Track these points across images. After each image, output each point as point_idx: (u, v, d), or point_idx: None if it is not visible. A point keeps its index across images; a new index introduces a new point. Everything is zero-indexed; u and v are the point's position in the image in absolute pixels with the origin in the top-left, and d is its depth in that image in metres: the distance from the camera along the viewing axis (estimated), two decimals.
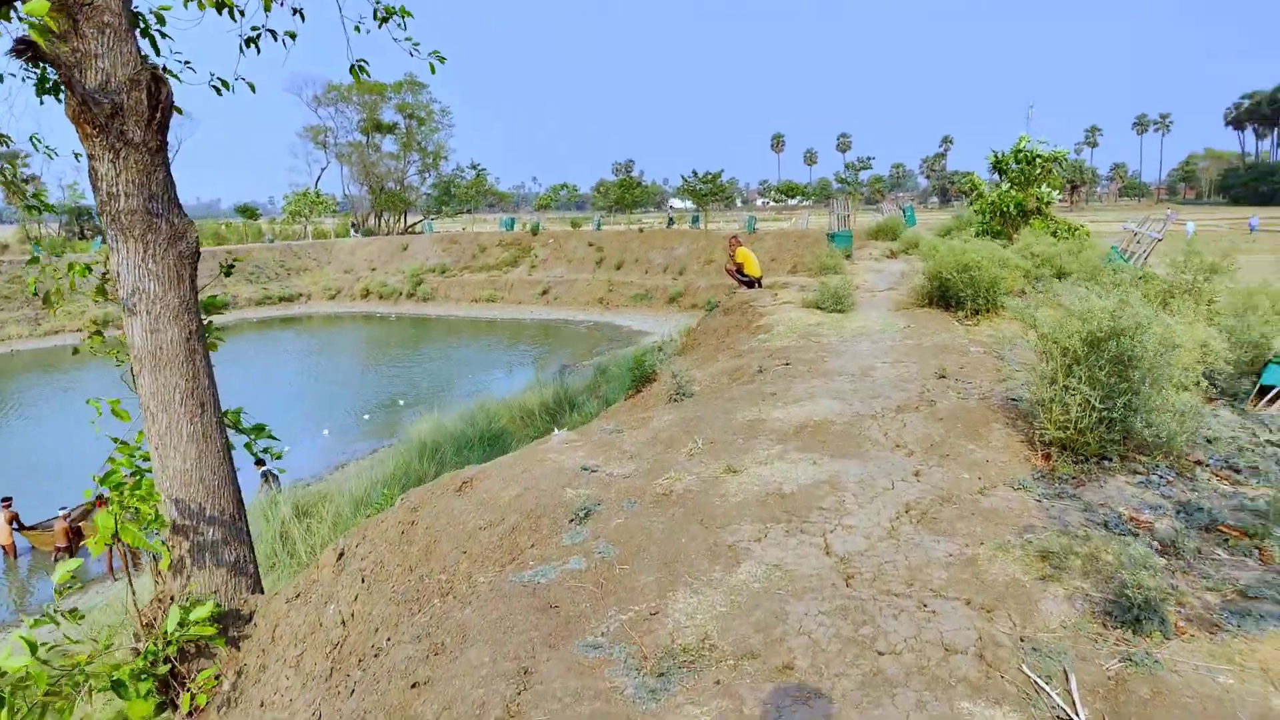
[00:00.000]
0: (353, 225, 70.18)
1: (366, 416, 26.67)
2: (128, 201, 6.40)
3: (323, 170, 75.13)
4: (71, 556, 16.10)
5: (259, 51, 8.35)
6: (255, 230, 68.01)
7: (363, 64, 8.40)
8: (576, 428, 7.73)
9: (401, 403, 28.26)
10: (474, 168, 72.81)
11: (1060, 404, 4.72)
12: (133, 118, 6.38)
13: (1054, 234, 15.86)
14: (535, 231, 56.47)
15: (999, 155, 16.59)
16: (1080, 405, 4.60)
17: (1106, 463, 4.71)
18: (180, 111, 6.73)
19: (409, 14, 8.46)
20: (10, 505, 16.33)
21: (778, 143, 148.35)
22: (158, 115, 6.52)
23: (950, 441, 5.19)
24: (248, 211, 70.61)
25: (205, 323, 6.99)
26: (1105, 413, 4.56)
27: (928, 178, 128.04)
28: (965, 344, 8.48)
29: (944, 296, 10.89)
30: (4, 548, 16.18)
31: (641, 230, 54.73)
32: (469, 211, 74.08)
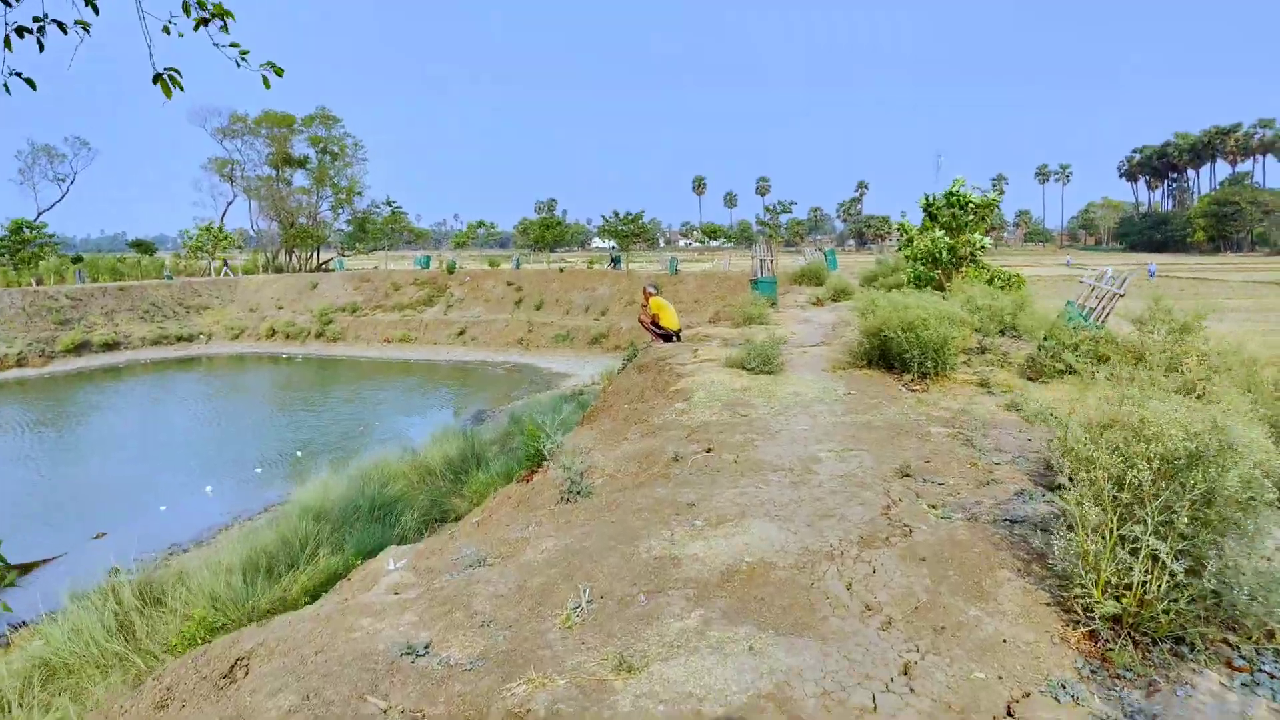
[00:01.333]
0: (264, 264, 66.51)
1: (259, 470, 23.97)
2: None
3: (229, 204, 71.27)
4: None
5: (41, 48, 6.29)
6: (156, 266, 63.72)
7: (173, 73, 6.36)
8: (426, 544, 5.84)
9: (300, 454, 25.59)
10: (389, 204, 70.02)
11: (1113, 560, 3.13)
12: None
13: (989, 281, 14.77)
14: (451, 270, 54.12)
15: (931, 199, 15.48)
16: (1147, 564, 3.01)
17: (1185, 648, 3.12)
18: None
19: (230, 15, 6.50)
20: None
21: (699, 185, 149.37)
22: None
23: (944, 603, 3.53)
24: (143, 246, 66.13)
25: None
26: (1187, 578, 2.98)
27: (844, 221, 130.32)
28: (922, 421, 6.92)
29: (884, 356, 9.42)
30: None
31: (562, 270, 53.02)
32: (385, 249, 71.16)
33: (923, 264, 15.47)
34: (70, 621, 11.72)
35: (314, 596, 10.68)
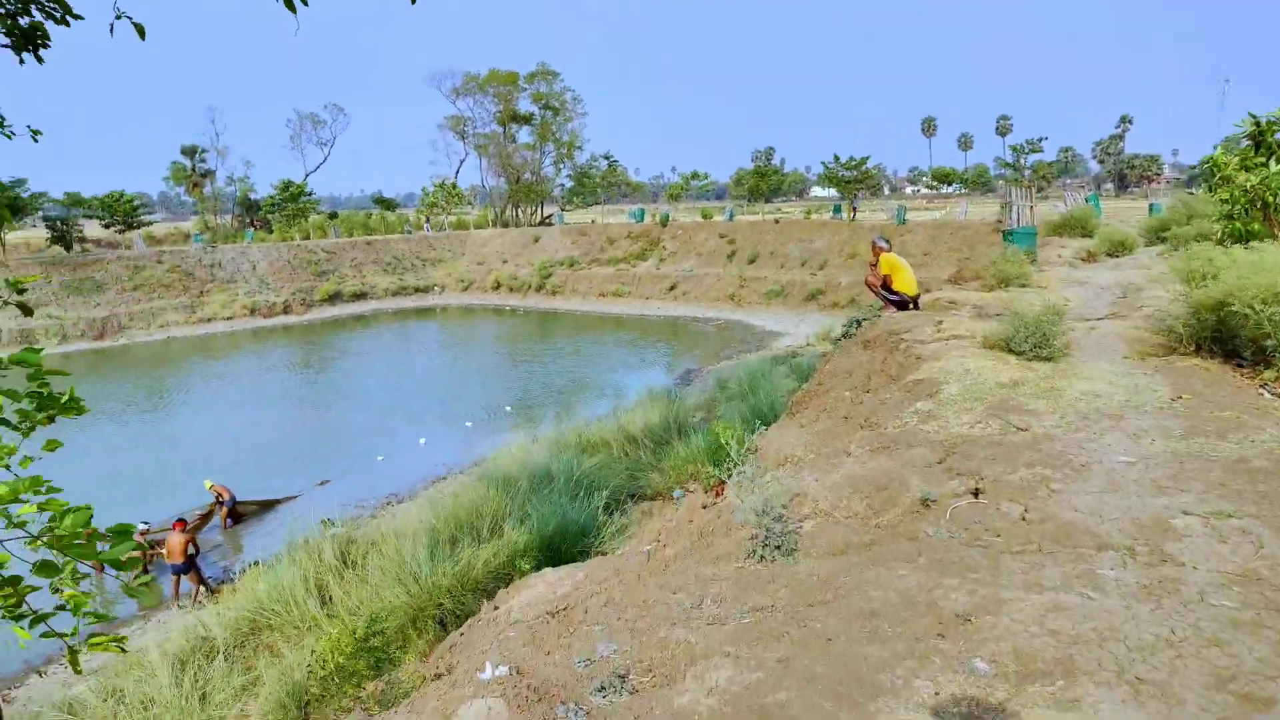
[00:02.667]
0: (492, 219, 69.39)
1: (469, 424, 24.22)
2: None
3: (461, 162, 74.94)
4: (147, 571, 14.38)
5: None
6: (399, 221, 68.40)
7: None
8: (548, 628, 4.29)
9: (509, 409, 25.68)
10: (606, 158, 70.33)
11: None
12: None
13: None
14: (664, 223, 53.17)
15: (1262, 122, 11.73)
16: None
17: None
18: None
19: None
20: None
21: (929, 126, 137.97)
22: None
23: None
24: (386, 203, 71.06)
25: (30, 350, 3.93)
26: None
27: (1101, 162, 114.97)
28: None
29: (1219, 340, 6.70)
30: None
31: (777, 221, 50.33)
32: (602, 203, 71.73)
33: (1242, 209, 11.82)
34: (275, 575, 11.72)
35: (488, 592, 9.73)
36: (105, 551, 4.44)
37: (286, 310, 47.42)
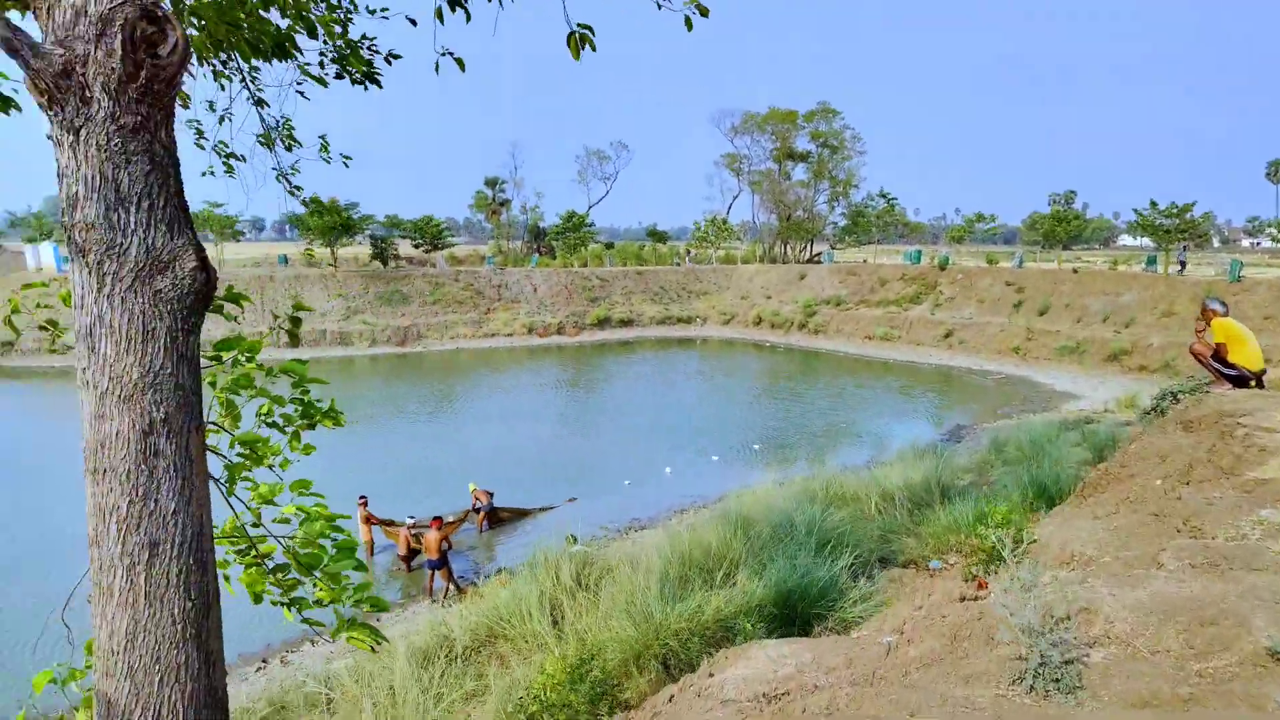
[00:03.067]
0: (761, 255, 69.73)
1: (715, 458, 24.10)
2: (84, 207, 3.61)
3: (735, 197, 76.29)
4: (409, 569, 15.81)
5: (468, 18, 5.63)
6: (670, 253, 70.96)
7: (585, 31, 5.11)
8: None
9: (757, 448, 25.26)
10: (883, 195, 67.90)
11: None
12: (99, 79, 3.56)
13: None
14: (943, 266, 50.06)
15: None
16: None
17: None
18: (191, 75, 4.14)
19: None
20: (366, 504, 16.57)
21: (1276, 171, 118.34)
22: (141, 76, 3.63)
23: None
24: (657, 235, 73.94)
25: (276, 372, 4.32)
26: None
27: None
28: None
29: None
30: (365, 544, 16.42)
31: (1076, 270, 45.39)
32: (876, 242, 69.37)
33: None
34: (515, 587, 12.17)
35: (714, 641, 9.31)
36: (328, 564, 4.56)
37: (560, 331, 50.72)
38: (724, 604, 9.98)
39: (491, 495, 18.24)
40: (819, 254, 68.30)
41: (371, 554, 16.63)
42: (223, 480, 4.34)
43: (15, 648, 12.70)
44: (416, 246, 59.26)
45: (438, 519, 15.40)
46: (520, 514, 18.99)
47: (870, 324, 48.15)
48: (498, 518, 18.43)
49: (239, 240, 49.87)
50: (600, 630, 10.46)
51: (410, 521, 16.10)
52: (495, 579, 14.26)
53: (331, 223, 48.76)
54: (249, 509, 4.29)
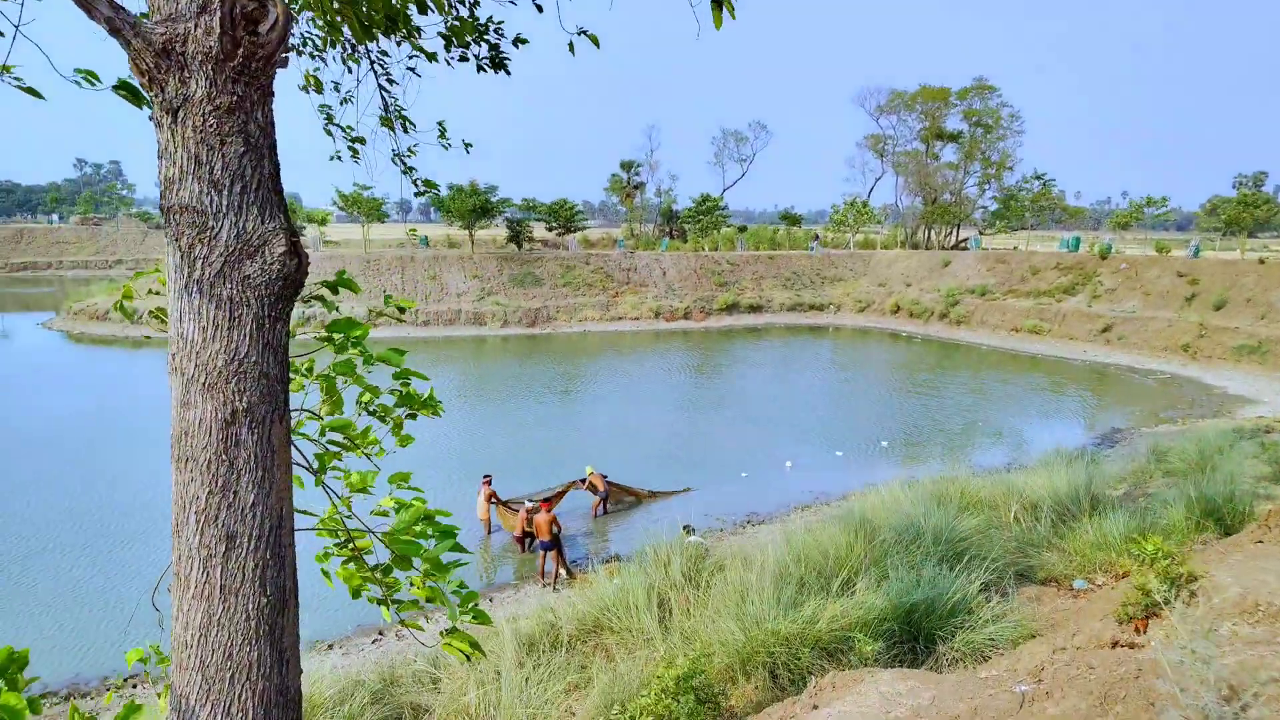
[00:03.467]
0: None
1: (839, 454, 23.23)
2: (179, 189, 3.61)
3: (877, 180, 73.45)
4: (525, 549, 16.03)
5: None
6: (806, 236, 69.23)
7: None
8: None
9: (885, 444, 24.17)
10: (1039, 178, 63.47)
11: None
12: (197, 57, 3.54)
13: None
14: (1104, 255, 46.31)
15: None
16: None
17: None
18: (292, 54, 4.11)
19: None
20: (490, 483, 16.88)
21: None
22: (238, 55, 3.58)
23: None
24: (791, 219, 72.16)
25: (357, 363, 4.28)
26: None
27: None
28: None
29: None
30: (483, 521, 16.80)
31: (1263, 261, 40.94)
32: (1029, 228, 65.07)
33: None
34: (624, 579, 12.02)
35: (829, 652, 8.82)
36: (429, 550, 4.38)
37: (686, 316, 50.43)
38: (840, 614, 9.46)
39: (607, 482, 18.25)
40: (965, 240, 64.84)
41: (489, 532, 16.92)
42: (314, 467, 4.26)
43: (125, 612, 13.43)
44: (550, 229, 60.36)
45: (547, 500, 15.47)
46: (635, 494, 18.90)
47: (1018, 316, 45.28)
48: (614, 497, 18.41)
49: (383, 222, 52.20)
50: (707, 630, 10.15)
51: (530, 505, 16.25)
52: (606, 566, 14.18)
53: (469, 205, 50.29)
54: (339, 500, 4.20)
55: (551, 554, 14.66)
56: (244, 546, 3.42)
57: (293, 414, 4.04)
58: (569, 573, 14.80)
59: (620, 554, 15.50)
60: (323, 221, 53.74)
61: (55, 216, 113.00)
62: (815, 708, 4.47)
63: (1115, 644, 4.37)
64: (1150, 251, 47.93)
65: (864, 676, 4.78)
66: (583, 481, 18.19)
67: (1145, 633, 4.50)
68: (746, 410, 28.82)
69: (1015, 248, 59.13)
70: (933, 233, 66.66)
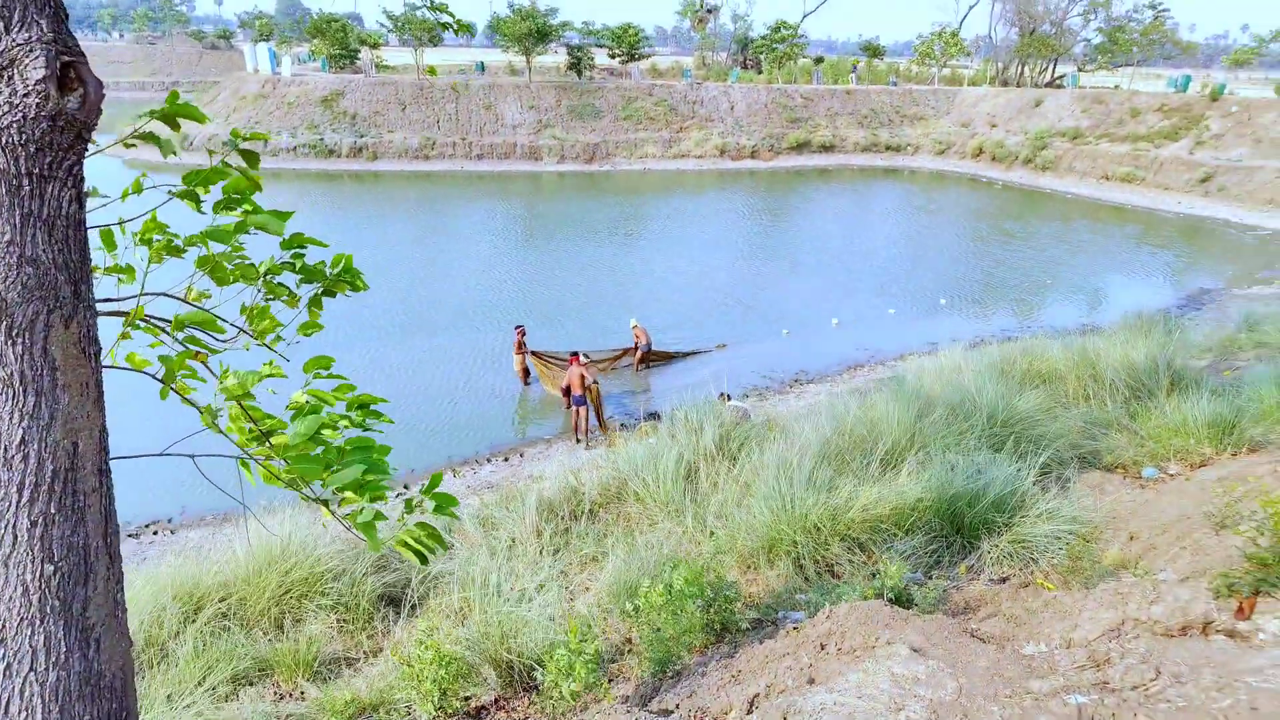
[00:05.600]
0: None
1: (893, 311, 21.70)
2: None
3: (970, 8, 66.55)
4: (570, 406, 15.29)
5: None
6: (888, 70, 63.81)
7: None
8: None
9: (943, 301, 22.56)
10: (1152, 7, 56.21)
11: None
12: None
13: None
14: (1216, 96, 41.27)
15: None
16: None
17: None
18: None
19: None
20: (524, 334, 16.13)
21: None
22: None
23: None
24: (872, 49, 66.06)
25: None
26: None
27: None
28: None
29: None
30: (518, 374, 16.20)
31: None
32: (1135, 64, 58.38)
33: None
34: (654, 444, 11.25)
35: (859, 544, 7.98)
36: (336, 475, 3.39)
37: (753, 155, 47.58)
38: (874, 501, 8.49)
39: (649, 337, 17.22)
40: (1061, 77, 58.84)
41: (526, 382, 16.29)
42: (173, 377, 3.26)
43: None
44: (613, 57, 56.58)
45: (575, 355, 14.47)
46: (677, 356, 17.99)
47: (1110, 162, 41.36)
48: (650, 358, 17.54)
49: (436, 46, 49.29)
50: (734, 504, 9.38)
51: (574, 354, 15.22)
52: (641, 427, 13.44)
53: (524, 29, 47.00)
54: (201, 411, 3.21)
55: (587, 410, 13.95)
56: (12, 500, 2.50)
57: (146, 299, 3.02)
58: (604, 429, 14.12)
59: (660, 411, 14.72)
60: (375, 45, 50.94)
61: (113, 33, 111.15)
62: (811, 681, 3.57)
63: (1207, 625, 3.29)
64: (1269, 94, 42.58)
65: (878, 635, 3.83)
66: (635, 348, 17.17)
67: (1251, 617, 3.40)
68: (804, 259, 27.20)
69: (1115, 86, 53.47)
70: (1026, 68, 60.59)
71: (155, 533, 11.83)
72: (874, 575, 7.17)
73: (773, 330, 19.80)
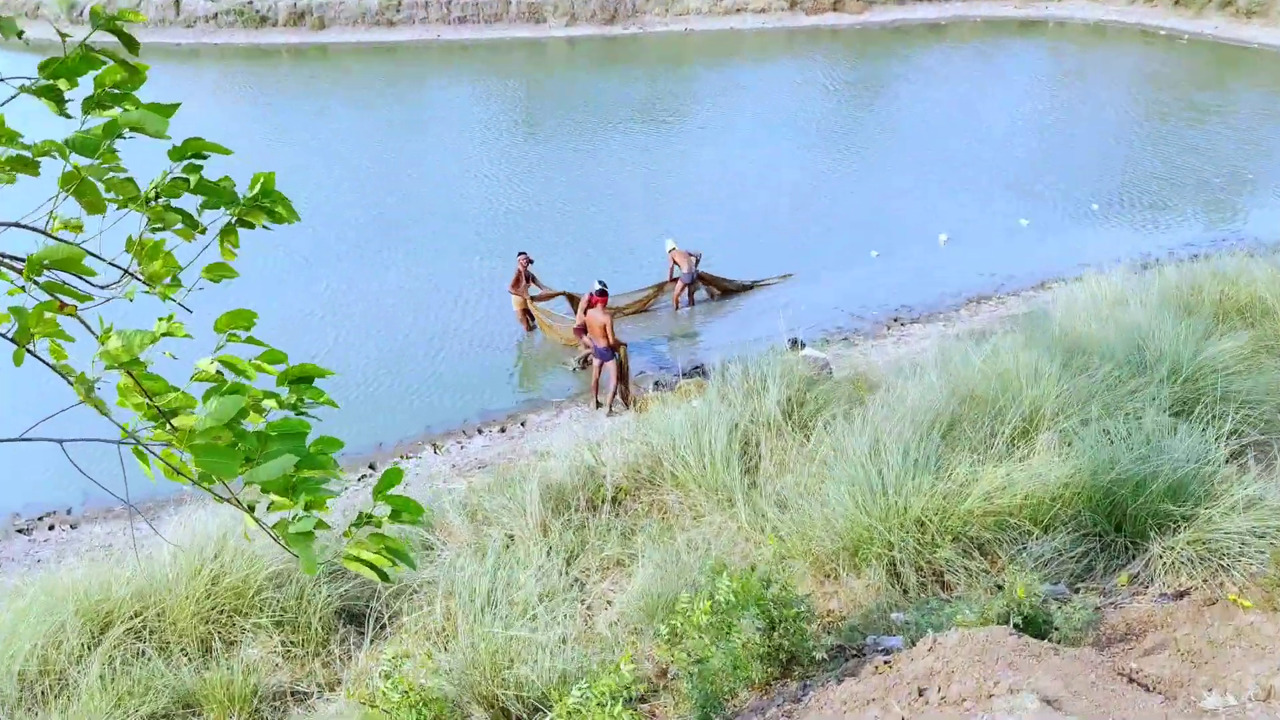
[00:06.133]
0: None
1: (1025, 221, 21.26)
2: None
3: None
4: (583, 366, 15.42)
5: None
6: None
7: None
8: None
9: (1095, 207, 22.14)
10: None
11: None
12: None
13: None
14: None
15: None
16: None
17: None
18: None
19: None
20: (530, 263, 16.07)
21: None
22: None
23: None
24: None
25: None
26: None
27: None
28: None
29: None
30: (519, 315, 16.29)
31: None
32: None
33: None
34: (697, 411, 11.28)
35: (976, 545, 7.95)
36: (260, 472, 3.34)
37: (836, 6, 46.48)
38: (1001, 486, 8.42)
39: (697, 260, 17.01)
40: None
41: (529, 329, 16.44)
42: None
43: None
44: None
45: (601, 294, 14.17)
46: (727, 288, 17.86)
47: None
48: (701, 290, 17.47)
49: None
50: (806, 491, 9.37)
51: (598, 289, 15.11)
52: (681, 386, 13.41)
53: None
54: (73, 383, 3.20)
55: (610, 365, 13.90)
56: None
57: None
58: (626, 394, 14.10)
59: (701, 367, 14.69)
60: None
61: None
62: None
63: None
64: None
65: (998, 679, 3.76)
66: (672, 279, 17.11)
67: None
68: (905, 151, 26.81)
69: None
70: None
71: (51, 527, 12.21)
72: (999, 588, 7.14)
73: (860, 251, 19.60)
